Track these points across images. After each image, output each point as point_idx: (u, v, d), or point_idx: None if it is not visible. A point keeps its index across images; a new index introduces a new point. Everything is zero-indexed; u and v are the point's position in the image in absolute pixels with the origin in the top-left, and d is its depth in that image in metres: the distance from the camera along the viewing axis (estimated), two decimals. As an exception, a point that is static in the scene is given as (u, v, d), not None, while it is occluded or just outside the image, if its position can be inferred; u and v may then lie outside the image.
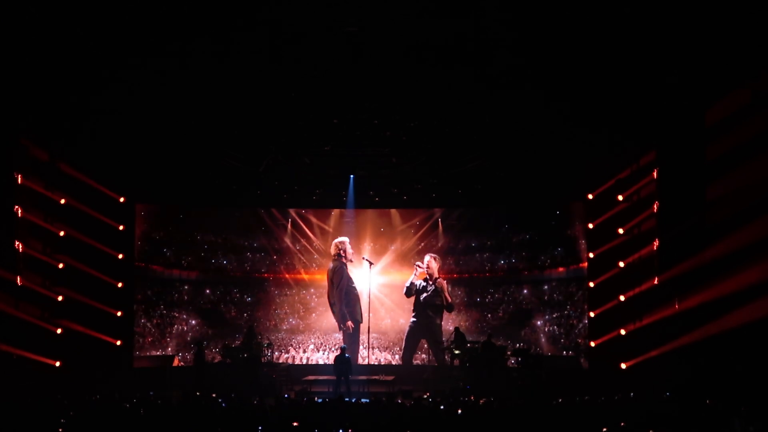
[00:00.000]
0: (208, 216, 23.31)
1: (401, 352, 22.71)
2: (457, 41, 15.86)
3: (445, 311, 22.22)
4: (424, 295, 22.11)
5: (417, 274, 22.17)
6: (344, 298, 22.39)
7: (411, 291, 22.29)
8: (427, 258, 22.30)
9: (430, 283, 22.09)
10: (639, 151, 20.01)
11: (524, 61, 16.56)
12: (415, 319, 22.29)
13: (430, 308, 22.14)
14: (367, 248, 23.54)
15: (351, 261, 22.52)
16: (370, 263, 22.14)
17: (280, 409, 14.25)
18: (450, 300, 22.12)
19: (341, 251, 22.43)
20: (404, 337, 22.59)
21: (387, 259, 23.54)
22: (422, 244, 23.51)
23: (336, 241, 22.64)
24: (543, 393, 17.23)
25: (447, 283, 22.26)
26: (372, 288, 22.50)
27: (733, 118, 16.42)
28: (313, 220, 23.72)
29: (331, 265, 22.73)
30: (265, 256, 23.77)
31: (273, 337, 22.75)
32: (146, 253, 22.52)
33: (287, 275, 23.78)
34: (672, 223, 18.79)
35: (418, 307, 22.27)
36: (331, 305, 22.78)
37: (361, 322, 22.42)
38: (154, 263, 22.72)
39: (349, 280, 22.58)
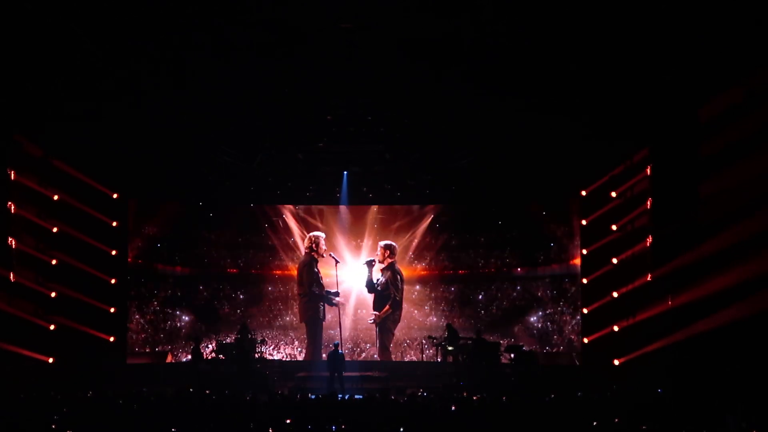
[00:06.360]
0: (202, 212, 23.24)
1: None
2: (450, 38, 15.84)
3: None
4: (377, 287, 22.40)
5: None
6: (311, 293, 22.39)
7: (370, 285, 22.47)
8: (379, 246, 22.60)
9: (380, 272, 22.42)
10: (632, 148, 20.06)
11: (518, 58, 16.54)
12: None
13: (378, 300, 22.36)
14: (364, 245, 23.48)
15: (323, 256, 22.43)
16: (336, 261, 22.21)
17: (273, 405, 14.26)
18: (391, 291, 22.17)
19: (314, 245, 22.38)
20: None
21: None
22: (415, 240, 23.48)
23: (311, 234, 22.58)
24: (536, 389, 17.24)
25: (391, 273, 22.29)
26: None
27: (726, 116, 16.45)
28: (305, 216, 23.64)
29: (302, 258, 22.74)
30: (259, 253, 23.72)
31: (266, 334, 22.72)
32: (140, 250, 22.49)
33: (280, 272, 23.74)
34: (665, 219, 18.84)
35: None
36: (300, 296, 22.73)
37: (324, 321, 22.53)
38: (148, 260, 22.67)
39: (318, 276, 22.56)
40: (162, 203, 22.82)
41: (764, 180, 15.48)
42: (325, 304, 22.44)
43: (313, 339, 22.45)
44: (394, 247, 22.50)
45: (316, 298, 22.29)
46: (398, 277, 22.33)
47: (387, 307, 22.19)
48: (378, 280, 22.30)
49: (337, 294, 22.41)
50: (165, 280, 22.96)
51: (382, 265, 22.35)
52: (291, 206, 23.57)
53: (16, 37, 15.59)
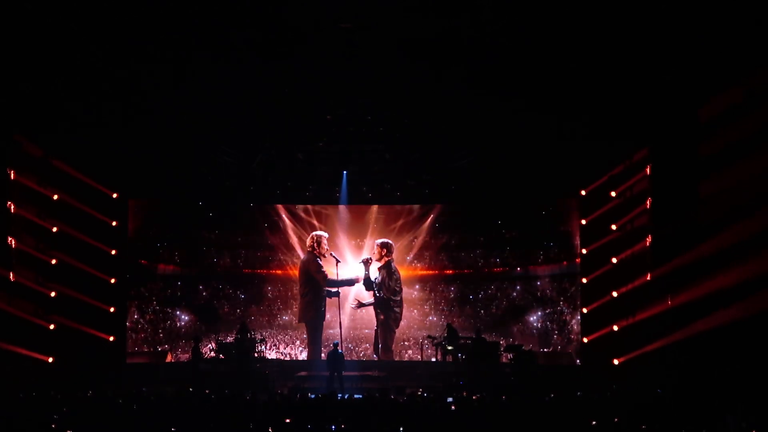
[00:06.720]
0: (202, 212, 23.24)
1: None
2: (450, 38, 15.85)
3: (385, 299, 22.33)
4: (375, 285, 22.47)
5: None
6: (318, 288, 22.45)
7: (367, 283, 22.50)
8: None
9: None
10: (632, 148, 20.06)
11: (518, 58, 16.55)
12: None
13: (375, 298, 22.46)
14: (366, 245, 23.45)
15: (324, 256, 22.42)
16: (337, 260, 22.21)
17: (272, 405, 14.25)
18: (383, 290, 22.23)
19: (316, 244, 22.38)
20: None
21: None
22: (415, 239, 23.46)
23: (313, 233, 22.57)
24: (536, 389, 17.23)
25: (386, 271, 22.32)
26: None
27: (726, 116, 16.46)
28: (305, 216, 23.62)
29: (304, 258, 22.74)
30: (258, 252, 23.71)
31: (266, 333, 22.72)
32: (140, 250, 22.53)
33: (280, 271, 23.73)
34: (665, 219, 18.84)
35: None
36: (302, 296, 22.71)
37: (324, 320, 22.54)
38: (148, 259, 22.69)
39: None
40: (162, 203, 22.82)
41: (764, 180, 15.50)
42: (325, 305, 22.47)
43: (314, 339, 22.45)
44: (391, 245, 22.50)
45: (332, 285, 22.35)
46: (393, 276, 22.33)
47: (373, 300, 22.37)
48: (375, 278, 22.32)
49: (352, 282, 22.57)
50: (165, 280, 22.96)
51: (380, 264, 22.37)
52: (291, 206, 23.54)
53: (16, 37, 15.59)
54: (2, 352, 18.52)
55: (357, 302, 22.66)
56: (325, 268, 22.42)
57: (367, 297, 22.60)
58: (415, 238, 23.43)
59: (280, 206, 23.47)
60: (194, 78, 17.53)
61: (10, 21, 15.05)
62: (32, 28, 15.30)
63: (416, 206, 23.34)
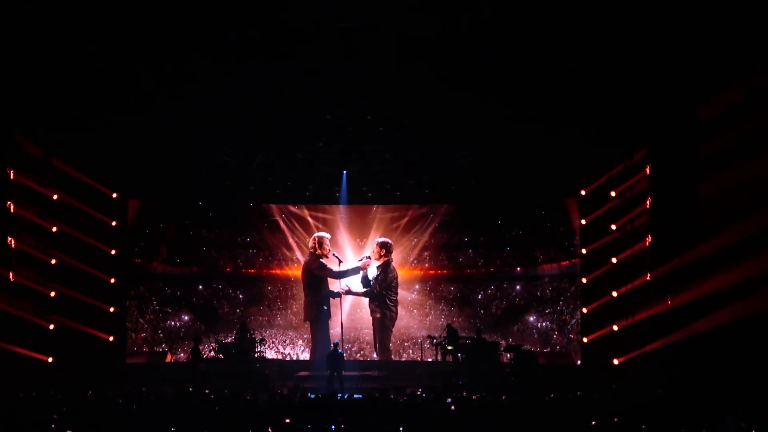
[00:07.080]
0: (202, 212, 23.24)
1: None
2: (450, 37, 15.84)
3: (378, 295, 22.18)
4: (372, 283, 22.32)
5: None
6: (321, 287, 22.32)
7: (365, 281, 22.34)
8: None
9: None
10: (632, 148, 20.06)
11: (518, 58, 16.54)
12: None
13: (373, 297, 22.28)
14: (367, 244, 23.42)
15: (326, 256, 22.27)
16: (340, 260, 22.11)
17: (272, 405, 14.25)
18: (376, 287, 22.08)
19: (317, 245, 22.14)
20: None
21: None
22: (415, 240, 23.47)
23: (315, 235, 22.28)
24: (535, 389, 17.23)
25: (383, 270, 22.06)
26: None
27: (726, 116, 16.46)
28: (305, 216, 23.61)
29: (307, 259, 22.51)
30: (258, 252, 23.71)
31: (266, 333, 22.73)
32: (140, 250, 22.55)
33: (280, 271, 23.73)
34: (665, 219, 18.84)
35: None
36: (306, 296, 22.53)
37: (330, 318, 22.41)
38: (148, 259, 22.71)
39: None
40: (162, 203, 22.83)
41: (764, 180, 15.50)
42: (330, 304, 22.35)
43: (318, 338, 22.35)
44: (390, 245, 22.39)
45: (339, 276, 22.19)
46: (390, 274, 22.22)
47: (364, 291, 22.25)
48: (373, 277, 22.28)
49: (358, 269, 22.44)
50: (165, 280, 22.98)
51: (378, 263, 22.32)
52: (290, 206, 23.54)
53: (16, 37, 15.59)
54: (2, 352, 18.53)
55: (347, 288, 22.46)
56: (328, 265, 22.26)
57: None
58: (416, 238, 23.44)
59: (279, 206, 23.48)
60: (194, 78, 17.52)
61: (11, 21, 15.04)
62: (32, 28, 15.29)
63: (417, 206, 23.33)
